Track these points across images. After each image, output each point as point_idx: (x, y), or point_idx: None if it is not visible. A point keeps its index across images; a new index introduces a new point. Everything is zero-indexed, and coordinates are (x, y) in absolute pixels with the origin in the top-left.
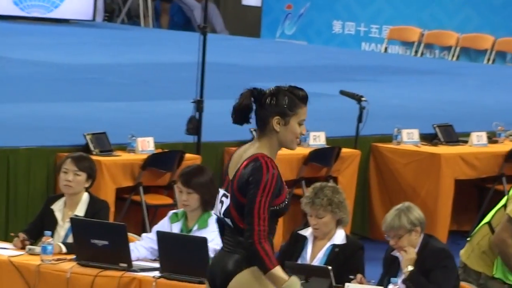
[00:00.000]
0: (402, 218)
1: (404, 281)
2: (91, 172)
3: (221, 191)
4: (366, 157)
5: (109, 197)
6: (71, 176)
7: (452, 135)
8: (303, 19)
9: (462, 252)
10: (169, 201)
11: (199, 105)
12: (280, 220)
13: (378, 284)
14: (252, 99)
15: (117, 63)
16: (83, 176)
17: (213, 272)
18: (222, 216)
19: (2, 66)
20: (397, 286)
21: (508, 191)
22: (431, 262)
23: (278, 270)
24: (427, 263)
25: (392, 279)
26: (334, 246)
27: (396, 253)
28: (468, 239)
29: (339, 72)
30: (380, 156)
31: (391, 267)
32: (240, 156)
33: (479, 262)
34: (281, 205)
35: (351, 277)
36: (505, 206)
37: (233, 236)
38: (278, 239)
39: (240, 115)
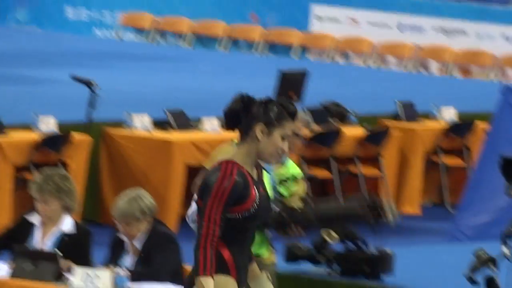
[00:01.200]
0: (133, 206)
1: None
2: None
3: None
4: (98, 143)
5: None
6: None
7: (184, 120)
8: (35, 4)
9: None
10: None
11: None
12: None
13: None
14: (242, 104)
15: None
16: None
17: None
18: (187, 220)
19: None
20: (124, 269)
21: None
22: (155, 247)
23: (207, 282)
24: (152, 249)
25: (120, 262)
26: (62, 232)
27: (122, 235)
28: None
29: (72, 58)
30: (111, 142)
31: (118, 249)
32: (216, 158)
33: None
34: (244, 213)
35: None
36: None
37: None
38: (7, 222)
39: (229, 120)
